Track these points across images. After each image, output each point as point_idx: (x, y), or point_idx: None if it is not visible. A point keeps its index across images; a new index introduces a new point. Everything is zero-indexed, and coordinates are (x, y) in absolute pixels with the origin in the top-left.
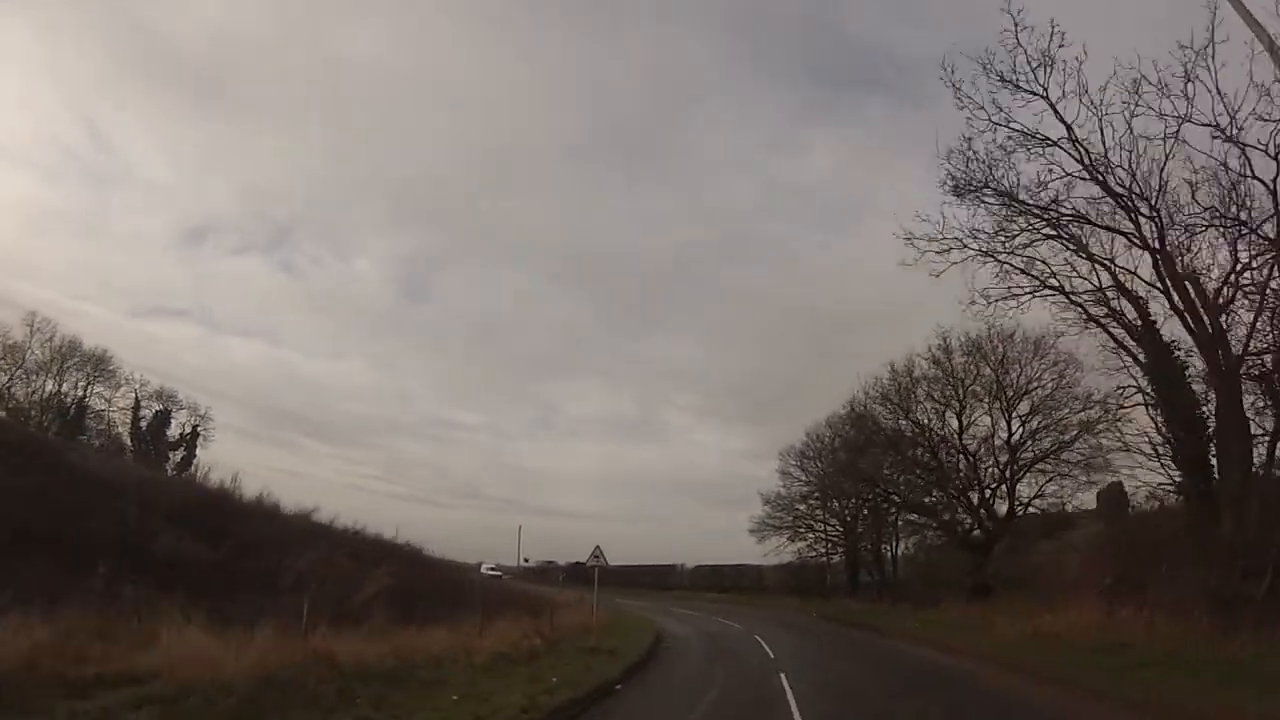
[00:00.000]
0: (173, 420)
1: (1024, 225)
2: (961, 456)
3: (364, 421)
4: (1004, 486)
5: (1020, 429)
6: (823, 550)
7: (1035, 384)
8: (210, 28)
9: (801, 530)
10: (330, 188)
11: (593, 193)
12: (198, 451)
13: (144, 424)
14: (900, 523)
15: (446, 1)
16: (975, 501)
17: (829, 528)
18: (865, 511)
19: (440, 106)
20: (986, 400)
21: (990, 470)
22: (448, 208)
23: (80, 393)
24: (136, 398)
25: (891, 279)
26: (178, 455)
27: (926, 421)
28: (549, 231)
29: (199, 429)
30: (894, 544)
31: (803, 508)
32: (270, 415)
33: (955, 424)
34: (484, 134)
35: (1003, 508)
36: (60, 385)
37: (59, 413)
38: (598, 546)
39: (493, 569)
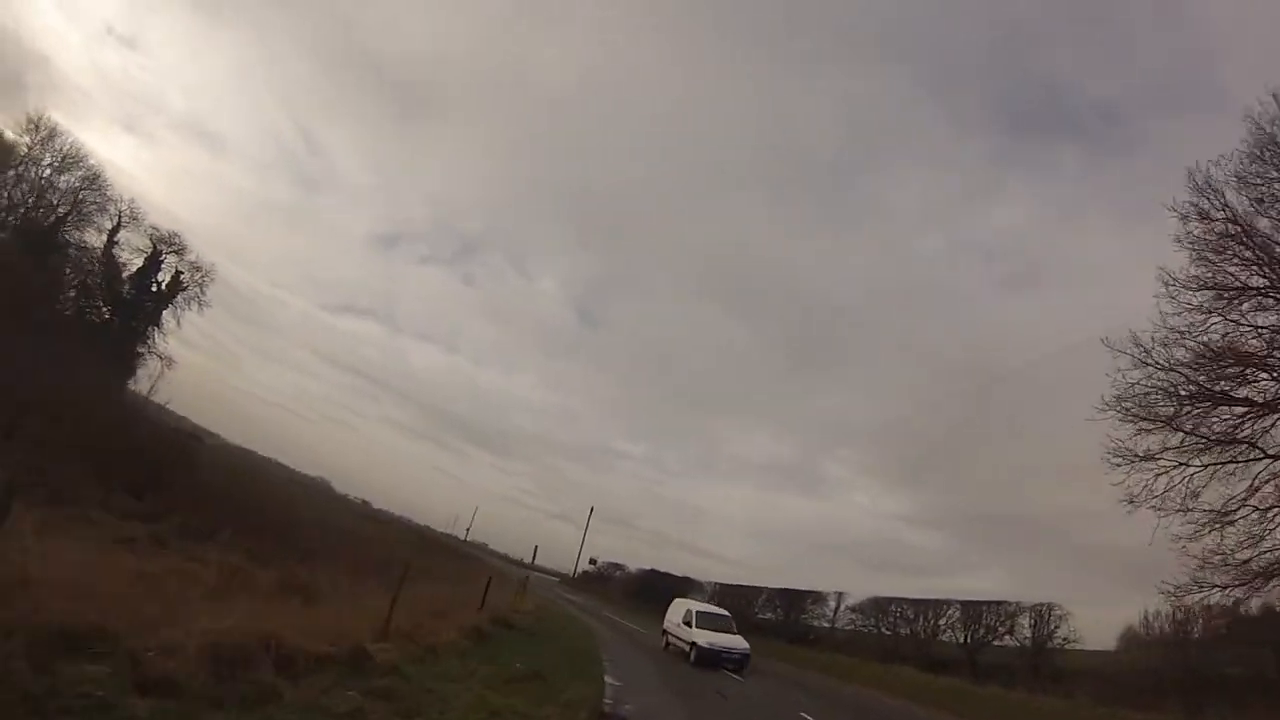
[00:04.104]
0: (163, 267)
1: None
2: None
3: (527, 436)
4: None
5: None
6: None
7: None
8: (416, 49)
9: None
10: (519, 207)
11: (775, 229)
12: (181, 313)
13: (119, 255)
14: None
15: (643, 31)
16: None
17: None
18: None
19: (630, 134)
20: None
21: None
22: (630, 234)
23: (64, 209)
24: (118, 220)
25: (1084, 346)
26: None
27: None
28: (727, 265)
29: (183, 278)
30: None
31: None
32: (436, 416)
33: None
34: (672, 162)
35: None
36: (47, 200)
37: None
38: None
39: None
